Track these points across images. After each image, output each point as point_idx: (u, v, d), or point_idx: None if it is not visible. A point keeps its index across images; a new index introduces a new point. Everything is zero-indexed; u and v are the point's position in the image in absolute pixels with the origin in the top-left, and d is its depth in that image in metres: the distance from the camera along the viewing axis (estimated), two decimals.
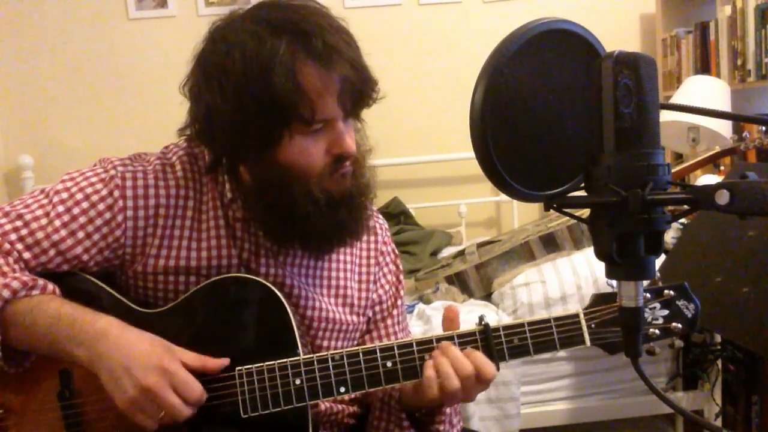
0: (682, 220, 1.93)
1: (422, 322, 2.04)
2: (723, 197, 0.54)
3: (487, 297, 2.21)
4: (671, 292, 1.00)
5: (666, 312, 1.00)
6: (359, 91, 0.95)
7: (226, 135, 0.96)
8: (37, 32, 3.07)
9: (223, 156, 1.01)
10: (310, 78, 0.92)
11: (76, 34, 3.09)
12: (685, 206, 0.58)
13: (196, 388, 0.91)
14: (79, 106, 3.12)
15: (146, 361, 0.90)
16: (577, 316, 1.00)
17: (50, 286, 0.97)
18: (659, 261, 1.19)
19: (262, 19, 0.93)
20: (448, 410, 1.09)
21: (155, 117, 3.03)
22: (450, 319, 1.02)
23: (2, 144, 3.11)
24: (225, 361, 0.96)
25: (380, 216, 1.23)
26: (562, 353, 2.08)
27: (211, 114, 0.95)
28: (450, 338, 0.99)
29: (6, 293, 0.93)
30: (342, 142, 0.97)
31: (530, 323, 0.99)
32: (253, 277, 1.01)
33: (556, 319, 1.00)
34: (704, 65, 2.83)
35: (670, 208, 0.77)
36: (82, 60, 3.10)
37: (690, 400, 2.13)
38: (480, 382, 0.96)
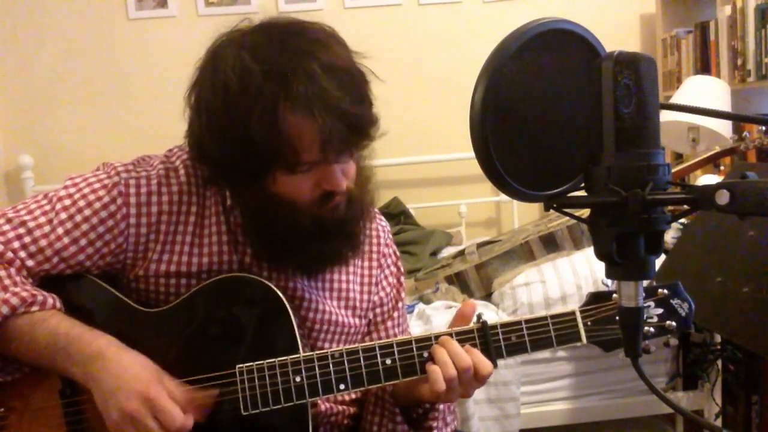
0: (682, 220, 1.93)
1: (422, 322, 2.04)
2: (723, 197, 0.54)
3: (487, 297, 2.21)
4: (665, 291, 1.01)
5: (660, 310, 1.01)
6: (346, 139, 0.91)
7: (213, 165, 0.97)
8: (37, 32, 3.07)
9: (219, 180, 1.02)
10: (292, 126, 0.89)
11: (76, 34, 3.09)
12: (685, 206, 0.58)
13: (176, 417, 0.90)
14: (79, 106, 3.12)
15: (132, 386, 0.90)
16: (573, 313, 1.01)
17: (50, 300, 0.97)
18: (659, 261, 1.19)
19: (257, 51, 0.90)
20: (441, 407, 1.10)
21: (155, 117, 3.03)
22: (462, 313, 1.02)
23: (2, 144, 3.11)
24: (213, 393, 0.95)
25: (383, 218, 1.23)
26: (561, 353, 2.08)
27: (199, 144, 0.96)
28: (448, 335, 0.99)
29: (5, 310, 0.93)
30: (331, 181, 0.95)
31: (527, 321, 1.00)
32: (255, 277, 1.01)
33: (553, 316, 1.01)
34: (704, 65, 2.83)
35: (670, 208, 0.77)
36: (82, 60, 3.10)
37: (690, 400, 2.14)
38: (477, 379, 0.97)
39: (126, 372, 0.91)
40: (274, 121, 0.88)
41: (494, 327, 0.99)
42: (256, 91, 0.88)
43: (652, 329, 1.00)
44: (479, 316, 1.01)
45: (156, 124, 3.01)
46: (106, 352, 0.93)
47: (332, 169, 0.94)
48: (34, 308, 0.95)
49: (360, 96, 0.93)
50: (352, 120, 0.90)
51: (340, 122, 0.89)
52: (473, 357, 0.96)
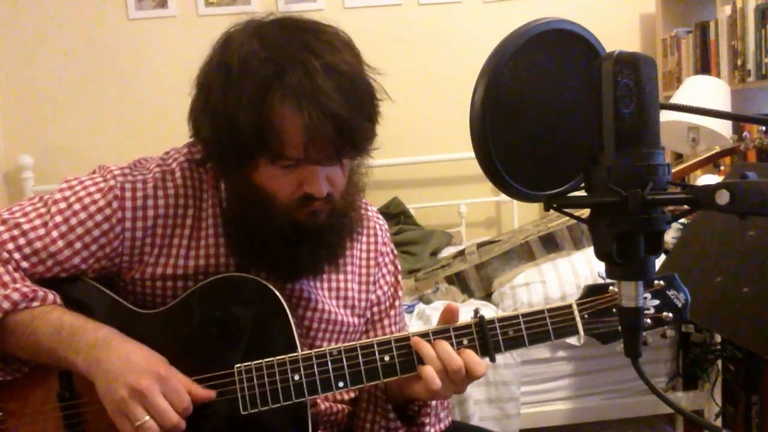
0: (682, 220, 1.93)
1: (422, 322, 2.05)
2: (723, 197, 0.54)
3: (487, 297, 2.21)
4: (661, 283, 1.01)
5: (657, 302, 1.01)
6: (331, 141, 0.90)
7: (204, 144, 0.98)
8: (37, 32, 3.07)
9: (209, 161, 1.02)
10: (278, 116, 0.88)
11: (76, 34, 3.09)
12: (685, 206, 0.58)
13: (184, 398, 0.91)
14: (79, 106, 3.12)
15: (143, 366, 0.90)
16: (570, 306, 1.01)
17: (50, 296, 0.97)
18: (659, 261, 1.19)
19: (266, 40, 0.91)
20: (433, 403, 1.10)
21: (155, 117, 3.02)
22: (449, 310, 1.01)
23: (2, 144, 3.11)
24: (212, 394, 0.95)
25: (380, 216, 1.23)
26: (561, 353, 2.08)
27: (195, 121, 0.97)
28: (446, 331, 0.99)
29: (6, 305, 0.94)
30: (312, 183, 0.94)
31: (525, 315, 1.00)
32: (252, 276, 1.01)
33: (550, 310, 1.01)
34: (704, 65, 2.83)
35: (670, 208, 0.77)
36: (82, 60, 3.10)
37: (690, 400, 2.13)
38: (469, 378, 0.97)
39: (134, 355, 0.92)
40: (261, 106, 0.88)
41: (492, 322, 1.00)
42: (251, 75, 0.89)
43: (648, 320, 1.00)
44: (476, 311, 1.01)
45: (156, 123, 3.01)
46: (112, 340, 0.93)
47: (315, 170, 0.93)
48: (35, 303, 0.95)
49: (357, 104, 0.91)
50: (341, 123, 0.89)
51: (327, 122, 0.88)
52: (465, 358, 0.96)
